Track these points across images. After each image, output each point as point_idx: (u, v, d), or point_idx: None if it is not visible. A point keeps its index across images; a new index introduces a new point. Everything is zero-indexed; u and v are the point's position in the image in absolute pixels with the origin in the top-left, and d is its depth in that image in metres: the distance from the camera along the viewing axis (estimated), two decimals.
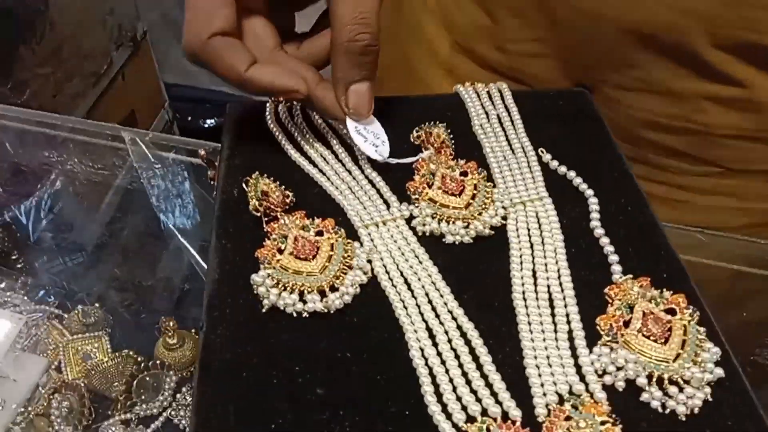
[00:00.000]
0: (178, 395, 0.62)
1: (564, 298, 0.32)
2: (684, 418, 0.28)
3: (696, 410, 0.28)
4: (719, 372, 0.29)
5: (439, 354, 0.30)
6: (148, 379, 0.61)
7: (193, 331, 0.66)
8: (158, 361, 0.62)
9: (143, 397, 0.60)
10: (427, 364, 0.30)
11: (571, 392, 0.29)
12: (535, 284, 0.33)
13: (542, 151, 0.41)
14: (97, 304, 0.68)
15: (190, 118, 1.89)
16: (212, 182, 0.42)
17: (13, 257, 0.74)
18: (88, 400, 0.59)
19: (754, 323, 0.53)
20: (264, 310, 0.32)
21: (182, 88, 1.84)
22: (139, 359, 0.63)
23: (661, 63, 0.47)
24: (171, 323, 0.62)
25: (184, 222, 0.77)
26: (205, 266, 0.65)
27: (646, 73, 0.48)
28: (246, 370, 0.29)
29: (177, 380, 0.62)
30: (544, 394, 0.28)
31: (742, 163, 0.50)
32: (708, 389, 0.29)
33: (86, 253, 0.73)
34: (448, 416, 0.28)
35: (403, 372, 0.30)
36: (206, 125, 1.92)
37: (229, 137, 0.42)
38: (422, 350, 0.30)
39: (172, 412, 0.60)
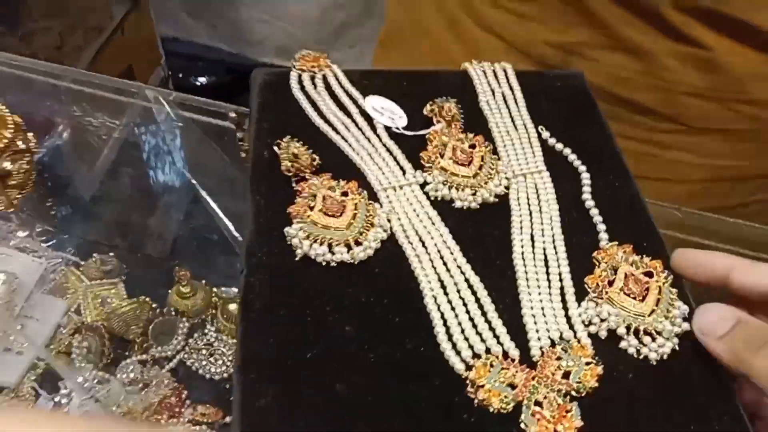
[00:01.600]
0: (191, 340, 0.67)
1: (557, 260, 0.37)
2: (654, 363, 0.33)
3: (665, 357, 0.33)
4: (686, 326, 0.34)
5: (449, 302, 0.35)
6: (163, 324, 0.66)
7: (203, 282, 0.70)
8: (172, 308, 0.67)
9: (158, 341, 0.64)
10: (439, 309, 0.34)
11: (561, 338, 0.34)
12: (533, 247, 0.38)
13: (542, 129, 0.45)
14: (111, 254, 0.72)
15: (181, 75, 1.89)
16: (240, 143, 0.45)
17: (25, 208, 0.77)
18: (108, 341, 0.63)
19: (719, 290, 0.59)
20: (297, 259, 0.36)
21: (176, 44, 1.84)
22: (154, 305, 0.67)
23: (635, 23, 0.52)
24: (184, 272, 0.66)
25: (173, 179, 0.80)
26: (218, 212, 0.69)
27: (620, 32, 0.53)
28: (283, 309, 0.34)
29: (189, 326, 0.67)
30: (539, 339, 0.33)
31: (701, 122, 0.55)
32: (676, 340, 0.34)
33: (86, 204, 0.76)
34: (457, 353, 0.33)
35: (418, 316, 0.34)
36: (198, 83, 1.93)
37: (257, 102, 0.45)
38: (435, 298, 0.35)
39: (185, 355, 0.65)
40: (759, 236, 0.50)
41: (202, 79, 1.94)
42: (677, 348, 0.34)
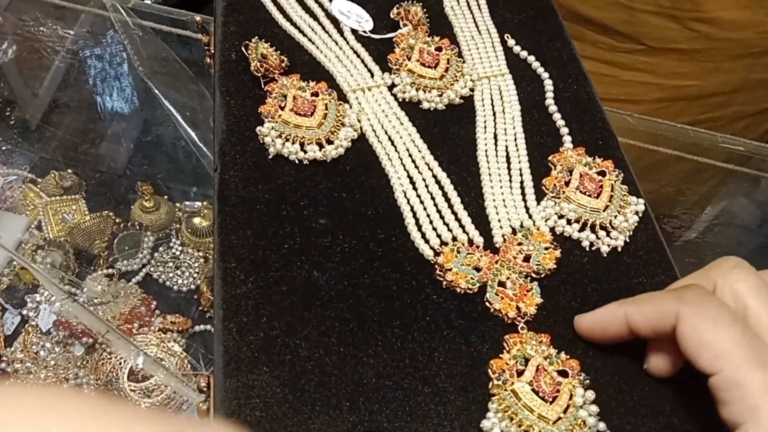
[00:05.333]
0: (156, 254, 0.67)
1: (518, 156, 0.39)
2: (605, 255, 0.36)
3: (619, 248, 0.36)
4: (636, 218, 0.37)
5: (418, 196, 0.36)
6: (127, 238, 0.66)
7: (165, 197, 0.70)
8: (136, 223, 0.67)
9: (124, 254, 0.65)
10: (408, 203, 0.36)
11: (521, 226, 0.36)
12: (496, 145, 0.40)
13: (508, 37, 0.46)
14: (69, 170, 0.71)
15: None
16: (206, 47, 0.45)
17: None
18: (72, 255, 0.63)
19: (661, 193, 0.63)
20: (270, 157, 0.37)
21: None
22: (117, 220, 0.67)
23: None
24: (147, 187, 0.66)
25: (123, 106, 0.78)
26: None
27: None
28: (259, 204, 0.35)
29: (154, 240, 0.67)
30: (501, 227, 0.36)
31: (659, 42, 0.58)
32: (629, 233, 0.36)
33: (41, 120, 0.74)
34: (426, 241, 0.35)
35: (389, 209, 0.36)
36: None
37: (222, 5, 0.45)
38: (404, 192, 0.36)
39: (151, 269, 0.66)
40: (703, 140, 0.53)
41: None
42: (628, 240, 0.36)
